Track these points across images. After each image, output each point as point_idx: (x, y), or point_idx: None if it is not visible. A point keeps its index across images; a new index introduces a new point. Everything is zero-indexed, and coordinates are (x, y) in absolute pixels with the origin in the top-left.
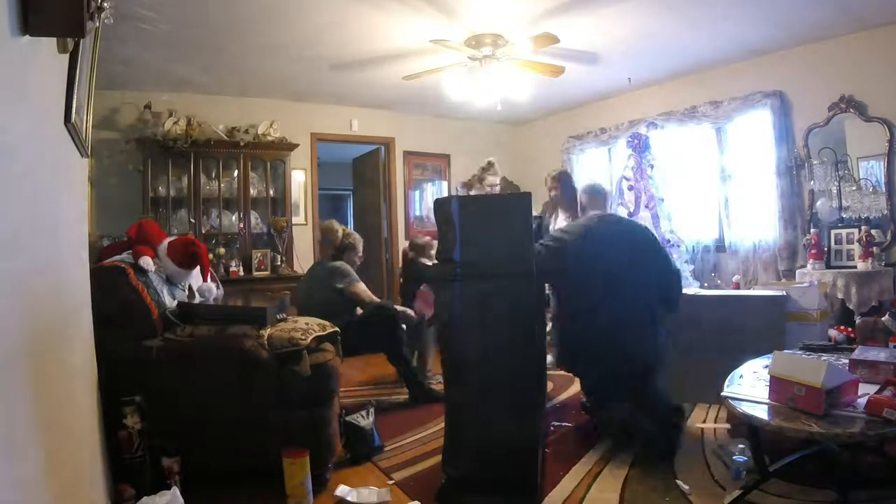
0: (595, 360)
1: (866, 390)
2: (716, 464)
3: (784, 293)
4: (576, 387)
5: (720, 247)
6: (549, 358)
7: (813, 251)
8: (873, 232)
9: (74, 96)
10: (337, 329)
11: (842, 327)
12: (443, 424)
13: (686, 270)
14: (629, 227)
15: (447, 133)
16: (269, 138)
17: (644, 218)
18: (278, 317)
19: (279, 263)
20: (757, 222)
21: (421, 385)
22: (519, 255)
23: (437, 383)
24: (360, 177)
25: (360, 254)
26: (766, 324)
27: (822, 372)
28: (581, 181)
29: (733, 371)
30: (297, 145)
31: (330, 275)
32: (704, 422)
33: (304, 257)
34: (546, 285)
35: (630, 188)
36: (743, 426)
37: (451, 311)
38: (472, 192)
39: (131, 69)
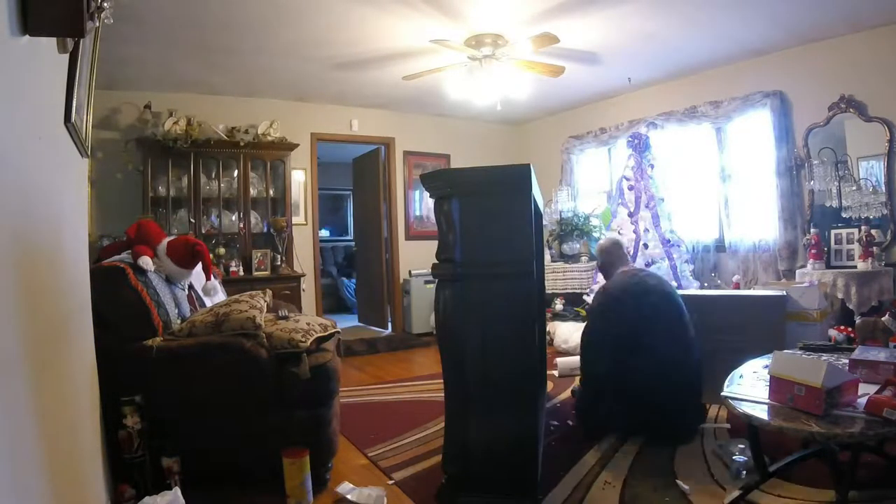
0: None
1: (866, 390)
2: (716, 464)
3: (784, 293)
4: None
5: (720, 247)
6: None
7: (813, 251)
8: (873, 232)
9: (74, 96)
10: (338, 329)
11: (842, 327)
12: (443, 424)
13: (686, 270)
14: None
15: (447, 133)
16: (269, 138)
17: (644, 218)
18: (280, 314)
19: (279, 263)
20: (757, 222)
21: None
22: (519, 253)
23: None
24: (360, 177)
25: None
26: (766, 324)
27: (822, 372)
28: (581, 181)
29: (733, 371)
30: (297, 145)
31: None
32: (704, 422)
33: (304, 257)
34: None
35: (630, 188)
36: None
37: (450, 309)
38: None
39: (131, 69)
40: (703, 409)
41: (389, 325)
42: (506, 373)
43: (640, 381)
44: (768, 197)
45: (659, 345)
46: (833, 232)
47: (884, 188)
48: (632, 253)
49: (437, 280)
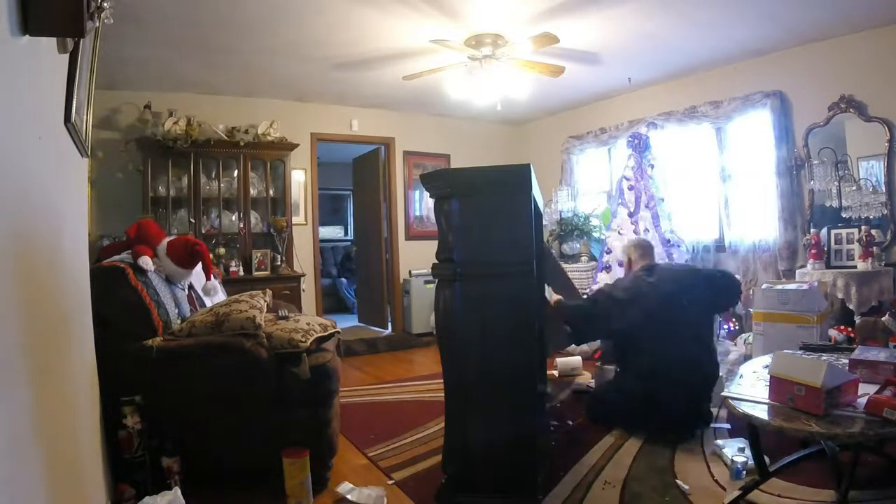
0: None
1: (866, 390)
2: (716, 464)
3: None
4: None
5: (720, 247)
6: None
7: (813, 251)
8: (873, 232)
9: (74, 96)
10: (338, 329)
11: (842, 327)
12: (443, 424)
13: None
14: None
15: (447, 133)
16: (269, 138)
17: (644, 218)
18: (280, 314)
19: (279, 263)
20: (757, 222)
21: None
22: (519, 252)
23: None
24: (360, 177)
25: None
26: None
27: (821, 372)
28: (581, 181)
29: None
30: (297, 145)
31: None
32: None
33: (304, 257)
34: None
35: (630, 188)
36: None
37: (450, 309)
38: None
39: (131, 69)
40: (707, 412)
41: (389, 325)
42: (506, 373)
43: (638, 380)
44: (768, 197)
45: (655, 347)
46: (833, 232)
47: (884, 188)
48: None
49: (437, 280)
